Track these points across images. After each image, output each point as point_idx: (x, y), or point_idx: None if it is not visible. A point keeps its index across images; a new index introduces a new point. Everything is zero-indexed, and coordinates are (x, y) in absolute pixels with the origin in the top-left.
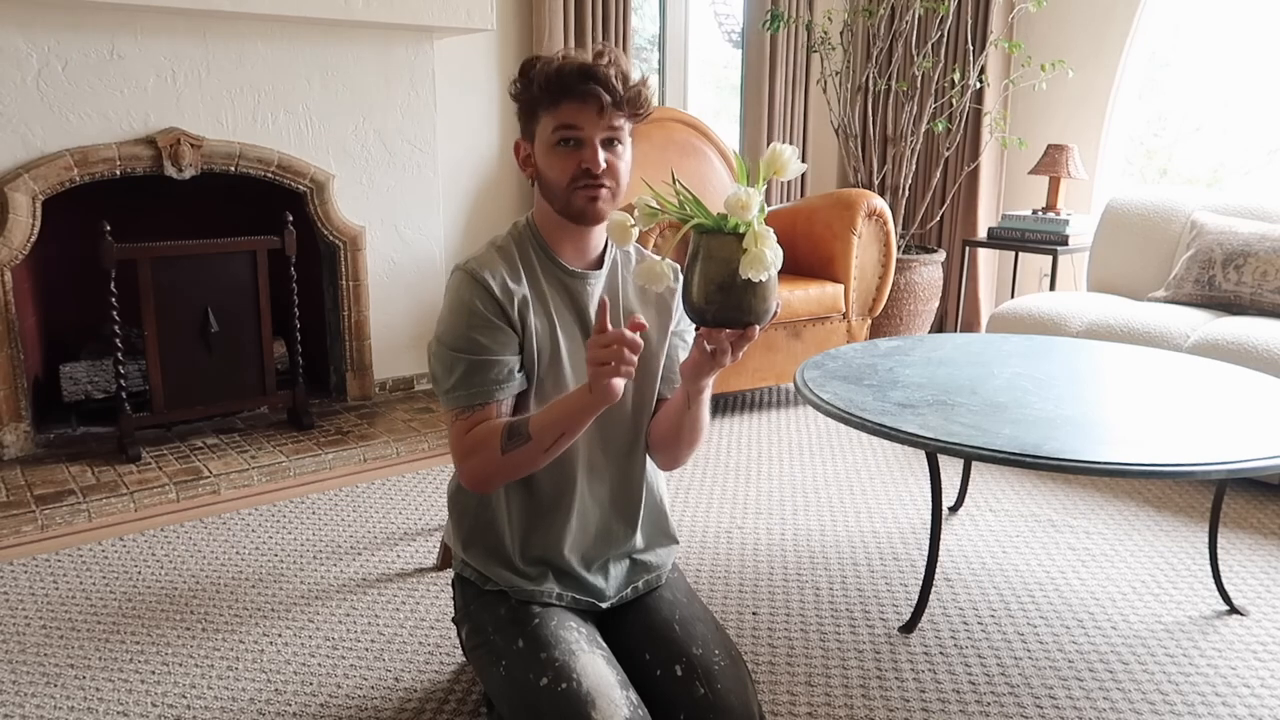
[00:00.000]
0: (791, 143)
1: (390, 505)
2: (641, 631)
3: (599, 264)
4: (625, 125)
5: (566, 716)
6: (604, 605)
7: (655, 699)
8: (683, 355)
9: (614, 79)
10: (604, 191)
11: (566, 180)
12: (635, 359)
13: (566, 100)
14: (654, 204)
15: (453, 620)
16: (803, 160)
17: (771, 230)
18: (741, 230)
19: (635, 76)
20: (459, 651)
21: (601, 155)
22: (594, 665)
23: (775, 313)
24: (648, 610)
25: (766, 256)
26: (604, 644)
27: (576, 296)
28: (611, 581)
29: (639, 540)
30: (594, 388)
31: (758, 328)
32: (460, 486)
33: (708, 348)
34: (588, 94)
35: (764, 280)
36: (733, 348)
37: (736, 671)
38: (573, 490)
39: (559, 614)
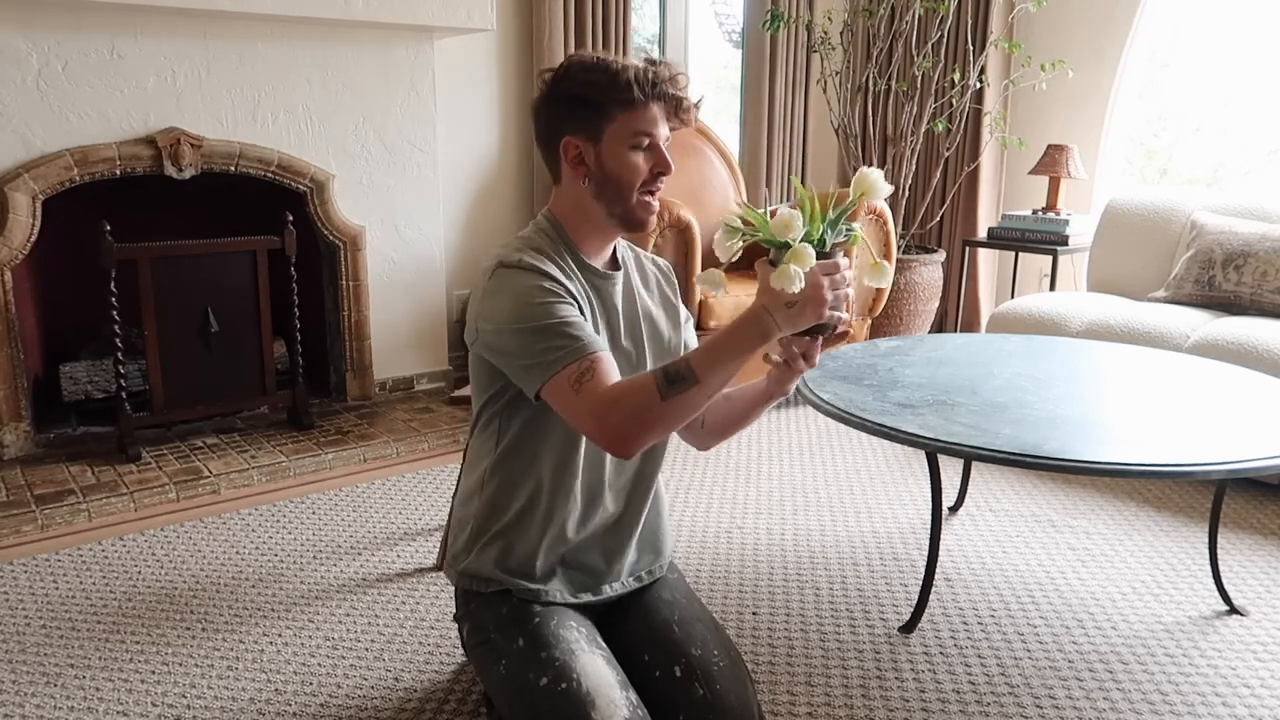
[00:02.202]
0: (791, 142)
1: (390, 505)
2: (641, 632)
3: (615, 265)
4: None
5: (566, 716)
6: (610, 594)
7: (655, 700)
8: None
9: (683, 90)
10: (658, 199)
11: (638, 181)
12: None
13: (653, 103)
14: (737, 223)
15: (454, 619)
16: (804, 161)
17: (810, 249)
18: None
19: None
20: (459, 651)
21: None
22: (594, 665)
23: (843, 322)
24: (647, 611)
25: (791, 272)
26: (604, 644)
27: (606, 297)
28: (622, 568)
29: (647, 527)
30: (809, 317)
31: (821, 338)
32: (483, 483)
33: (780, 358)
34: (671, 100)
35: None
36: (805, 356)
37: (736, 671)
38: (602, 479)
39: (560, 613)
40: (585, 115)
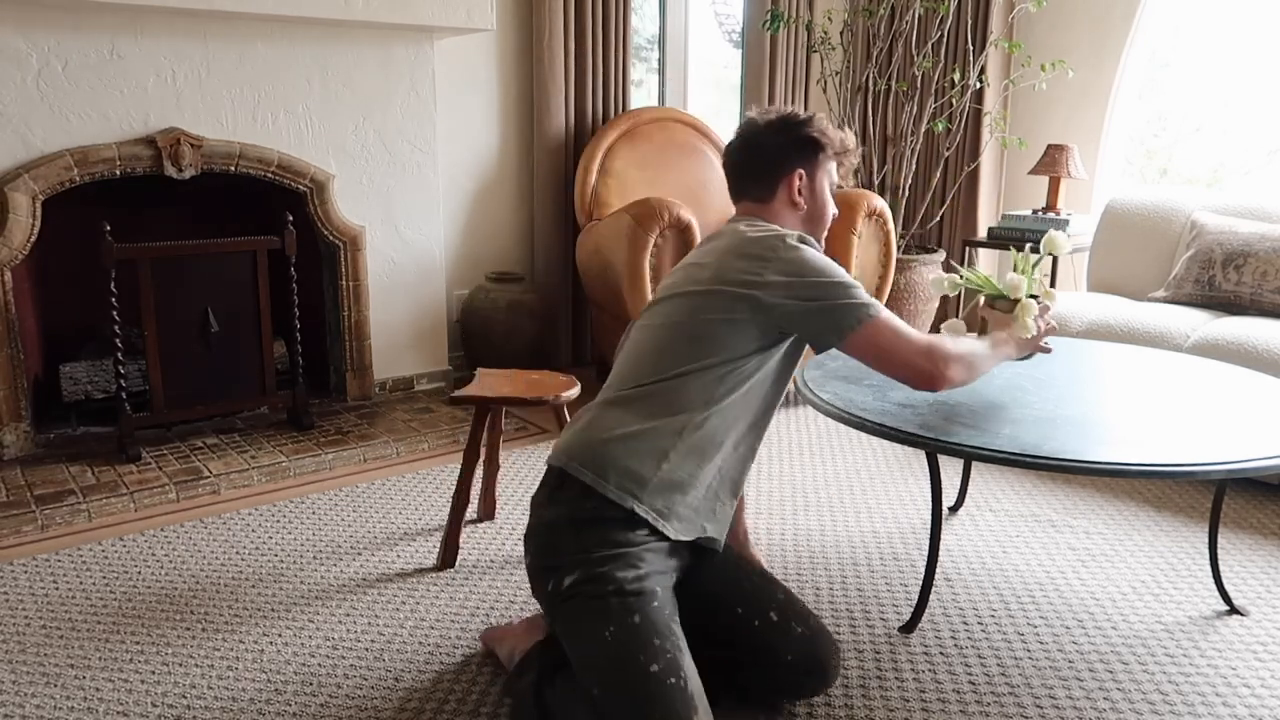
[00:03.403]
0: None
1: (390, 505)
2: (724, 586)
3: None
4: None
5: (671, 711)
6: (715, 545)
7: (758, 647)
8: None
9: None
10: None
11: (830, 216)
12: None
13: (849, 161)
14: (959, 280)
15: (541, 565)
16: None
17: (1035, 303)
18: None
19: None
20: (459, 651)
21: None
22: (693, 671)
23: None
24: (721, 567)
25: (1030, 323)
26: None
27: None
28: (722, 531)
29: None
30: (1030, 345)
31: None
32: (692, 422)
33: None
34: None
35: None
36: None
37: (806, 606)
38: (762, 437)
39: (670, 603)
40: (814, 153)
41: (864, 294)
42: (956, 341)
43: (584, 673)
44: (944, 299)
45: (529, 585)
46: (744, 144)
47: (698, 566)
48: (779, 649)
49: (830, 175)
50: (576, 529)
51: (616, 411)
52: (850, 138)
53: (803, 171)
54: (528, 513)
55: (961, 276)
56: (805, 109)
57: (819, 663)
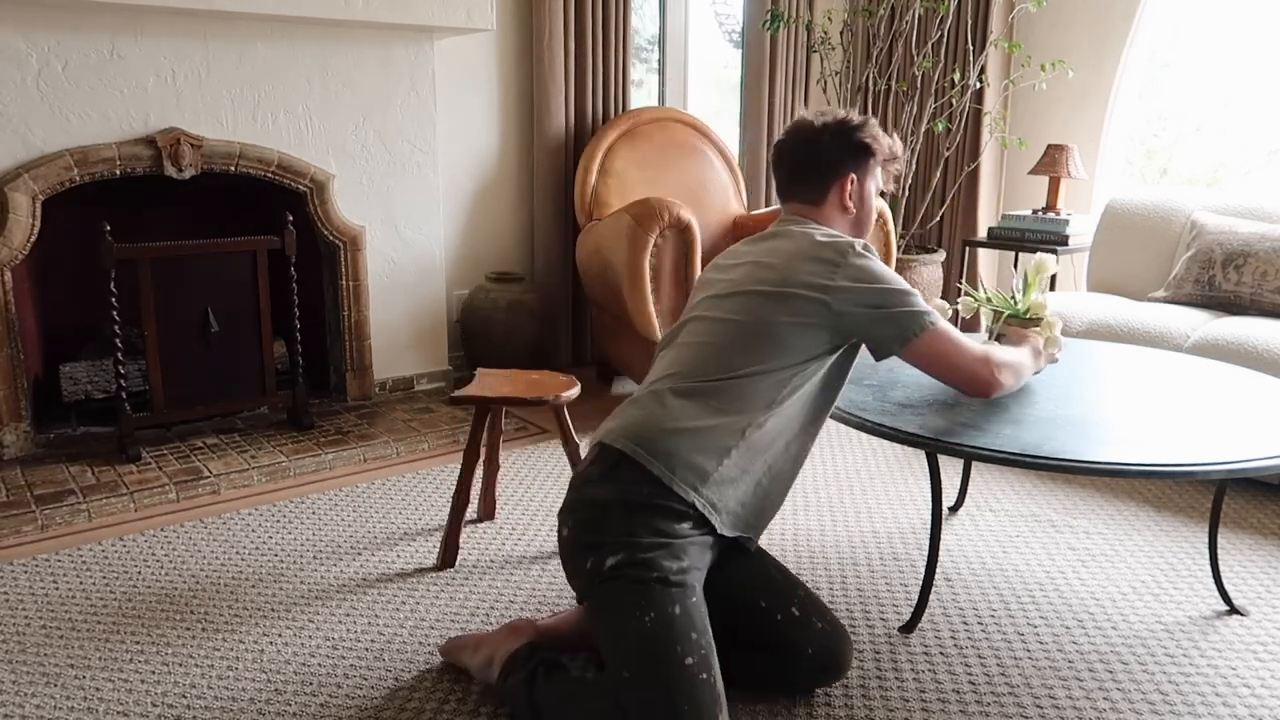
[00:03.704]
0: None
1: (390, 505)
2: (750, 579)
3: None
4: None
5: (701, 706)
6: (750, 544)
7: (781, 641)
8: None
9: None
10: None
11: (874, 221)
12: None
13: (895, 168)
14: (983, 298)
15: (583, 543)
16: None
17: (1060, 321)
18: (1035, 317)
19: None
20: None
21: None
22: (720, 673)
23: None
24: (747, 562)
25: (1059, 338)
26: None
27: None
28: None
29: None
30: (1044, 360)
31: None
32: (752, 424)
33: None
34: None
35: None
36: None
37: (823, 602)
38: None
39: (704, 602)
40: (864, 158)
41: (924, 302)
42: (1004, 351)
43: (615, 655)
44: (942, 299)
45: (526, 584)
46: (799, 145)
47: (725, 560)
48: (800, 643)
49: (877, 180)
50: (629, 512)
51: (683, 403)
52: (898, 144)
53: (854, 176)
54: (528, 513)
55: (987, 299)
56: (860, 112)
57: (836, 657)
